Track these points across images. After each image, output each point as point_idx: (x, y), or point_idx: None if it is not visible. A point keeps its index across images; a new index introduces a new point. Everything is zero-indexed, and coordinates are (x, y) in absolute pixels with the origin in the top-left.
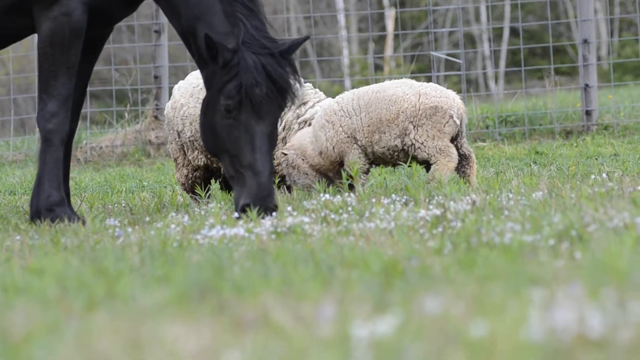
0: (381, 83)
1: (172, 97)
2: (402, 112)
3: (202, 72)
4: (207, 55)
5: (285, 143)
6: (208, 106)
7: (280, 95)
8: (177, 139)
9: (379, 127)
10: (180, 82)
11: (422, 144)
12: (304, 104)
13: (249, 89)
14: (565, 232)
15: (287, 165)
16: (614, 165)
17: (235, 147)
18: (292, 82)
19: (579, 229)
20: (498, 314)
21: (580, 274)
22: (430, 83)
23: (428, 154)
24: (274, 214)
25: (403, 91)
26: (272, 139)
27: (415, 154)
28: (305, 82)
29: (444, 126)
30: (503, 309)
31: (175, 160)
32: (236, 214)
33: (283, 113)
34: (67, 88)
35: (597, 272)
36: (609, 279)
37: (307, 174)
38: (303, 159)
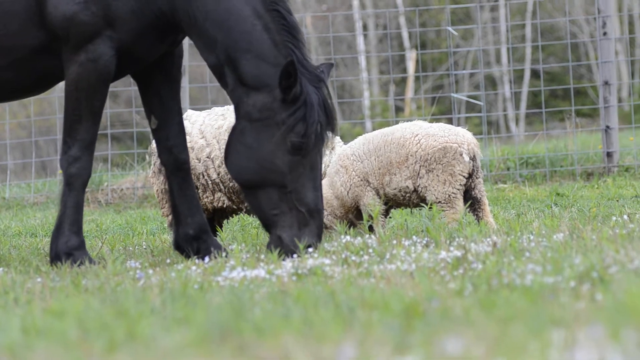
0: (392, 126)
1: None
2: (410, 155)
3: (239, 102)
4: (282, 84)
5: None
6: (260, 140)
7: (333, 128)
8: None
9: (389, 169)
10: (187, 122)
11: (433, 188)
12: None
13: (319, 127)
14: (586, 273)
15: None
16: (635, 207)
17: (296, 184)
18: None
19: (600, 271)
20: (519, 356)
21: (601, 316)
22: (440, 123)
23: (437, 198)
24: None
25: (411, 133)
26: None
27: (425, 196)
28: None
29: (454, 168)
30: (524, 350)
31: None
32: (271, 247)
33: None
34: (91, 133)
35: (618, 314)
36: (630, 320)
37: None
38: (334, 216)
